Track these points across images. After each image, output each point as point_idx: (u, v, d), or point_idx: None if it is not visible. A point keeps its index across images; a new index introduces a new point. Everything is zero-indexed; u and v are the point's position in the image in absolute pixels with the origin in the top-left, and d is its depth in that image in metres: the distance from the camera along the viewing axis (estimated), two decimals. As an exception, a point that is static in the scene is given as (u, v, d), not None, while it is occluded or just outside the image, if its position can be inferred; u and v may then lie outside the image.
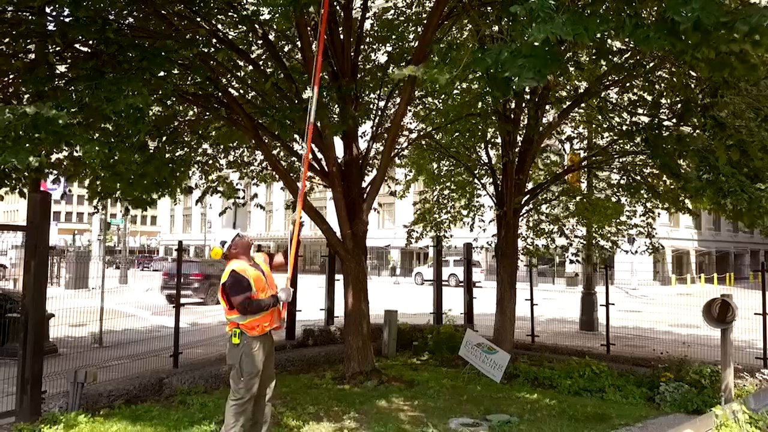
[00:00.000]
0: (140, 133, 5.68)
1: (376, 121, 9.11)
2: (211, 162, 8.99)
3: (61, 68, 5.81)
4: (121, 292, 25.98)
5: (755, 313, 9.43)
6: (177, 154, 7.48)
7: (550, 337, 13.04)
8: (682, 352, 10.01)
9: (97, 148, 4.92)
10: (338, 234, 7.94)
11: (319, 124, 6.78)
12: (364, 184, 8.38)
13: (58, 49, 5.44)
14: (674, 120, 5.81)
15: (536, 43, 4.04)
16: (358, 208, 7.92)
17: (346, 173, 8.08)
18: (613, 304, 10.90)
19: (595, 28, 4.04)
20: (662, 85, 6.31)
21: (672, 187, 7.39)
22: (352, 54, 8.24)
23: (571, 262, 9.92)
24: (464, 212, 11.12)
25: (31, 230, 5.57)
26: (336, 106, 7.19)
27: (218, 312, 17.82)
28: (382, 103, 9.91)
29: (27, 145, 4.67)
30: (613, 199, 10.07)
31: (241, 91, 8.31)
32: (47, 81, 5.02)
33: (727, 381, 7.21)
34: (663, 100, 6.08)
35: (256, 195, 10.43)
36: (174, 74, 6.75)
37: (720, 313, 7.10)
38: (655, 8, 3.92)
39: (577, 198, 10.34)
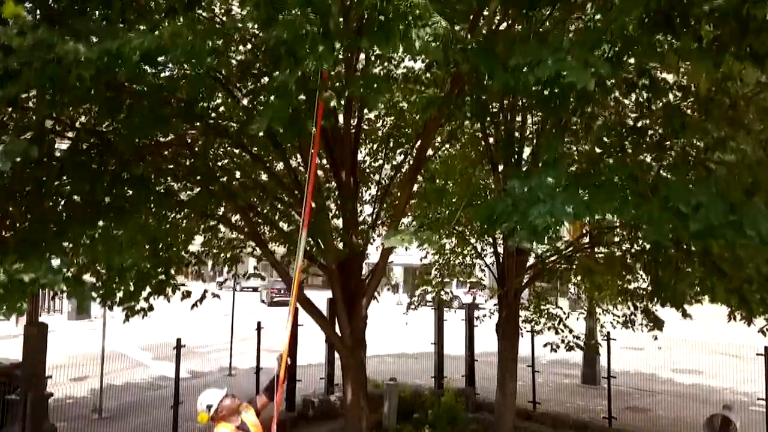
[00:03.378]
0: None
1: (376, 208, 9.07)
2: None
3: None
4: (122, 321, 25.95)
5: (758, 399, 9.35)
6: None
7: (551, 394, 12.99)
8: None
9: (89, 299, 4.90)
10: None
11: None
12: (363, 273, 8.33)
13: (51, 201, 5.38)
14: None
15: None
16: (357, 303, 7.84)
17: (346, 264, 8.02)
18: (614, 377, 10.84)
19: (598, 207, 3.98)
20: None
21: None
22: (352, 144, 8.18)
23: (570, 348, 9.87)
24: (466, 279, 11.07)
25: (27, 365, 5.56)
26: (336, 213, 7.15)
27: (220, 351, 17.64)
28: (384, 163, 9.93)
29: (17, 294, 4.64)
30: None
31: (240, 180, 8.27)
32: (40, 234, 4.98)
33: (729, 490, 7.17)
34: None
35: (256, 267, 10.38)
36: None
37: (722, 425, 7.07)
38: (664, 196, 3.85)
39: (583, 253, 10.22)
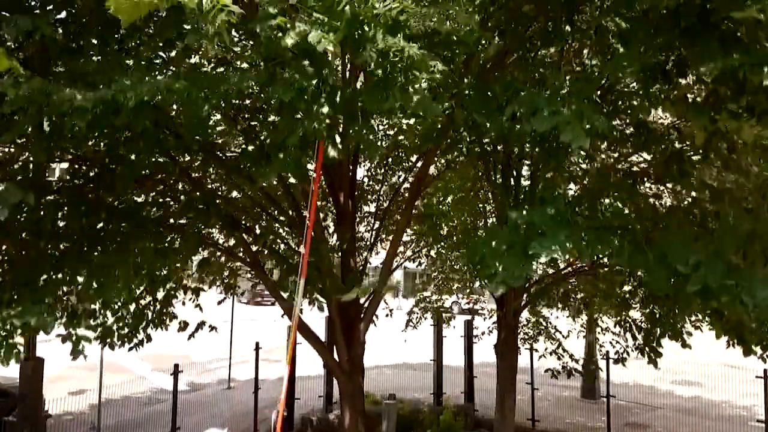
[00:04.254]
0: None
1: (374, 227, 9.05)
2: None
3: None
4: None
5: (757, 420, 9.33)
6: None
7: (550, 409, 12.97)
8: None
9: (83, 342, 4.90)
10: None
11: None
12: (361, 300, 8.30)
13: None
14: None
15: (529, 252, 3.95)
16: (356, 329, 7.82)
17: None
18: (613, 396, 10.83)
19: (596, 248, 3.98)
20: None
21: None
22: (351, 167, 8.16)
23: (570, 374, 9.87)
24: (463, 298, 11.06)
25: (23, 400, 5.55)
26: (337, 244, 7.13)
27: (219, 361, 17.51)
28: (383, 185, 9.92)
29: (9, 347, 4.64)
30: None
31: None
32: (37, 271, 4.98)
33: None
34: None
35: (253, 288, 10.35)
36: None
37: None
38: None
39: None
